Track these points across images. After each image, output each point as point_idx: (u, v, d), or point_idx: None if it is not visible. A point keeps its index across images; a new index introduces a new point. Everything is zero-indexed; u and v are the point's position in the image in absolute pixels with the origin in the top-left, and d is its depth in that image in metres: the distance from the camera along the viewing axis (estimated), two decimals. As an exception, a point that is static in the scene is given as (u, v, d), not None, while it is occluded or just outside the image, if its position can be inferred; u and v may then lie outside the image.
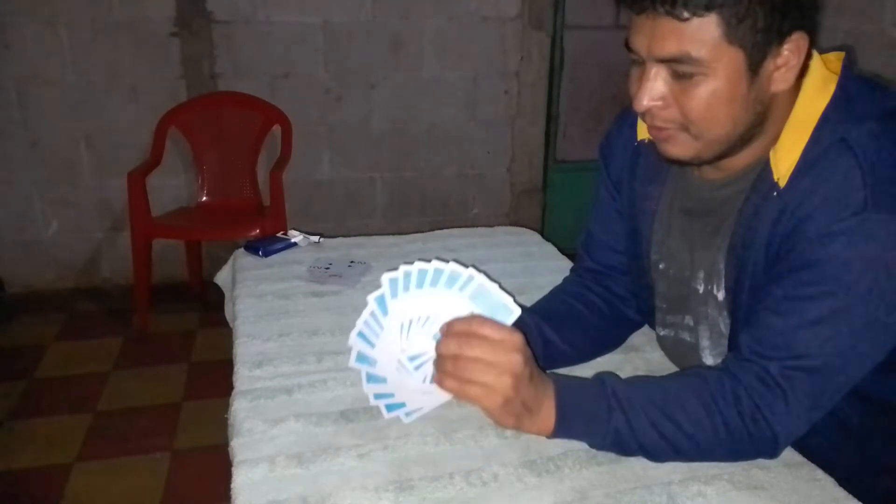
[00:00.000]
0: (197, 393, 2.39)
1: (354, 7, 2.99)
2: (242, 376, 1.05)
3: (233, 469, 0.85)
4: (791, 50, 0.80)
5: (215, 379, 1.95)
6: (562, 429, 0.86)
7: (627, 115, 1.05)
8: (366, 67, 3.08)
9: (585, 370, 1.06)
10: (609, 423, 0.84)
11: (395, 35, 3.07)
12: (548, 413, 0.85)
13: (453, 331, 0.81)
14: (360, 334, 0.86)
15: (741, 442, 0.82)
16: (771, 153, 0.85)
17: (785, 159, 0.83)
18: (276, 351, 1.12)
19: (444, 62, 3.16)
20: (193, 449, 2.11)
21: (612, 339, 1.13)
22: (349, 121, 3.14)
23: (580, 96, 3.45)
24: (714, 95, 0.79)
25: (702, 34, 0.76)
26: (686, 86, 0.80)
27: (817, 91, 0.83)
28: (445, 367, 0.81)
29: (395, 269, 0.83)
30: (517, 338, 0.81)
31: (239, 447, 0.88)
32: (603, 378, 0.88)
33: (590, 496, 0.81)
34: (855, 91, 0.83)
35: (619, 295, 1.12)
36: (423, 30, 3.09)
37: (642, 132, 0.99)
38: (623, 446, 0.85)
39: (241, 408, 0.96)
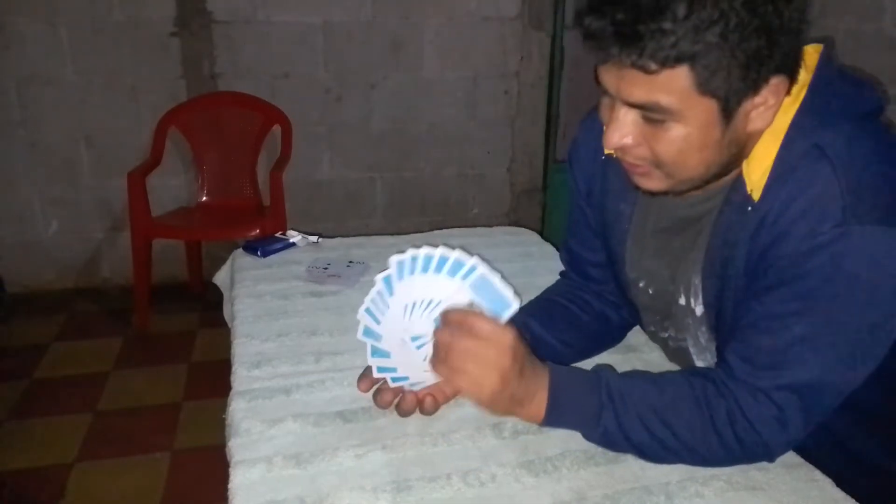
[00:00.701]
0: (197, 393, 2.39)
1: (354, 7, 2.99)
2: (240, 376, 1.05)
3: (230, 469, 0.85)
4: (770, 91, 0.75)
5: (215, 379, 1.94)
6: (552, 419, 0.86)
7: (594, 122, 0.99)
8: (366, 67, 3.08)
9: (585, 366, 1.06)
10: (599, 420, 0.84)
11: (395, 35, 3.07)
12: (539, 403, 0.85)
13: (448, 320, 0.82)
14: (368, 310, 0.89)
15: (733, 451, 0.82)
16: (744, 164, 0.82)
17: (757, 170, 0.80)
18: (274, 351, 1.12)
19: (444, 62, 3.16)
20: (193, 449, 2.11)
21: (608, 338, 1.13)
22: (349, 121, 3.14)
23: (580, 96, 3.44)
24: (685, 141, 0.75)
25: (671, 85, 0.71)
26: (657, 130, 0.76)
27: (792, 96, 0.79)
28: (439, 354, 0.82)
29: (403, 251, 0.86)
30: (508, 335, 0.80)
31: (237, 447, 0.88)
32: (600, 372, 0.87)
33: (588, 496, 0.81)
34: (827, 92, 0.79)
35: (611, 301, 1.12)
36: (423, 30, 3.09)
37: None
38: (613, 444, 0.85)
39: (238, 408, 0.96)
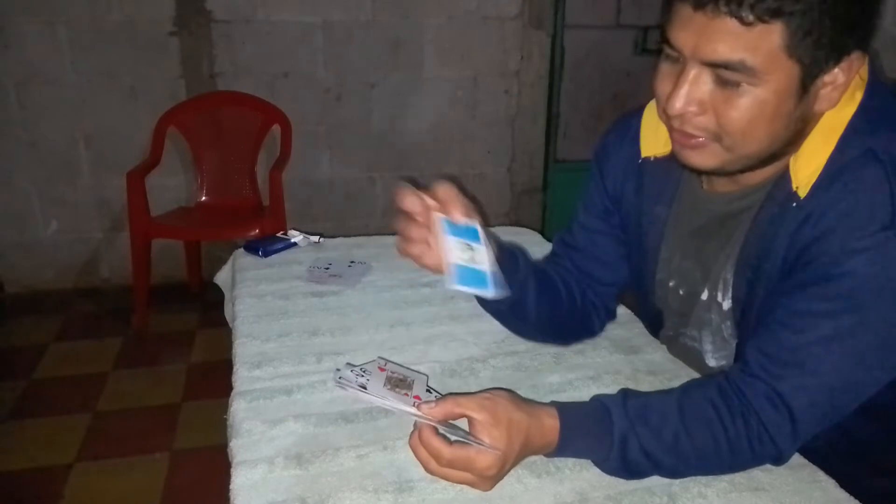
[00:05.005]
0: (196, 393, 2.38)
1: (354, 7, 2.99)
2: (242, 377, 1.04)
3: (232, 470, 0.85)
4: (843, 69, 0.75)
5: (215, 379, 1.95)
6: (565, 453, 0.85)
7: (628, 128, 1.00)
8: (366, 67, 3.08)
9: (587, 370, 1.06)
10: (619, 444, 0.82)
11: (395, 35, 3.06)
12: (551, 439, 0.83)
13: (438, 463, 0.77)
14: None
15: (744, 457, 0.81)
16: (791, 161, 0.81)
17: (806, 168, 0.79)
18: (275, 351, 1.11)
19: (445, 62, 3.15)
20: (193, 449, 2.10)
21: (566, 335, 1.11)
22: (349, 120, 3.14)
23: (580, 96, 3.44)
24: (759, 108, 0.74)
25: (762, 42, 0.70)
26: (730, 94, 0.74)
27: (846, 98, 0.78)
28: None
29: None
30: (497, 453, 0.76)
31: (238, 448, 0.88)
32: (607, 402, 0.84)
33: (590, 498, 0.81)
34: (883, 98, 0.79)
35: (592, 302, 1.10)
36: (423, 30, 3.08)
37: (646, 149, 0.96)
38: (632, 465, 0.82)
39: (240, 408, 0.96)
